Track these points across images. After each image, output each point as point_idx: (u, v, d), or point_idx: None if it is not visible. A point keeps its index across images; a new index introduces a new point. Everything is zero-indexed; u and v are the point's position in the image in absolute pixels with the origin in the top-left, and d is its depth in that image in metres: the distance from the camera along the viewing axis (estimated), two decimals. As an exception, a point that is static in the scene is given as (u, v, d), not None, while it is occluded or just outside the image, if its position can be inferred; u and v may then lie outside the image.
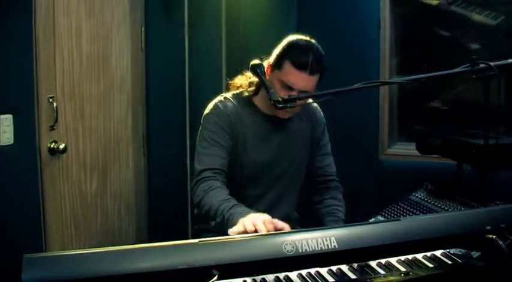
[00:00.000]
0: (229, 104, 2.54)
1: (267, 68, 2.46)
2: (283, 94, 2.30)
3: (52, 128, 2.86)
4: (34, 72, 2.72)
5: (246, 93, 2.59)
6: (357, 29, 3.86)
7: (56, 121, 2.87)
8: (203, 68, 3.84)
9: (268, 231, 1.91)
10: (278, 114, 2.47)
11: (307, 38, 2.45)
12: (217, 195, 2.30)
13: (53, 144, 2.87)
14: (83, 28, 3.07)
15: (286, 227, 1.96)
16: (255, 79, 2.53)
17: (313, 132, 2.68)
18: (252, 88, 2.59)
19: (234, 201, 2.25)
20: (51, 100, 2.83)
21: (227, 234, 2.03)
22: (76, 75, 3.03)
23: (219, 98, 2.58)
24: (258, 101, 2.57)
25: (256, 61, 2.34)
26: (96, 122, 3.21)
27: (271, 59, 2.47)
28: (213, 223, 2.28)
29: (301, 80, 2.35)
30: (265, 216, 2.01)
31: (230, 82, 2.70)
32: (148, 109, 3.60)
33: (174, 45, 3.70)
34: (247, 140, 2.52)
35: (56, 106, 2.86)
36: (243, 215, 2.07)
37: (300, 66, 2.33)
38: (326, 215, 2.57)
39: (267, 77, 2.39)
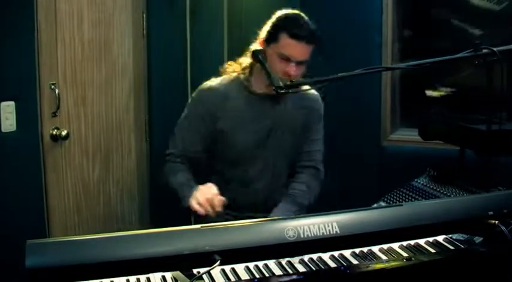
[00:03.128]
0: (214, 86, 2.61)
1: (260, 43, 2.52)
2: (281, 67, 2.41)
3: (54, 114, 2.85)
4: (36, 59, 2.72)
5: (242, 76, 2.63)
6: (359, 14, 3.84)
7: (58, 108, 2.86)
8: (205, 54, 3.83)
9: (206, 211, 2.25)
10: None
11: (297, 12, 2.52)
12: (178, 175, 2.54)
13: (55, 130, 2.87)
14: (85, 14, 3.06)
15: (219, 203, 2.26)
16: (247, 63, 2.61)
17: (306, 121, 2.70)
18: (246, 70, 2.64)
19: (191, 182, 2.48)
20: (53, 87, 2.83)
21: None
22: (78, 61, 3.03)
23: (206, 82, 2.65)
24: (254, 82, 2.61)
25: (257, 47, 2.36)
26: (98, 108, 3.21)
27: (264, 34, 2.51)
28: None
29: (299, 50, 2.41)
30: (202, 195, 2.29)
31: (221, 70, 2.74)
32: (150, 96, 3.59)
33: (176, 32, 3.69)
34: (236, 121, 2.57)
35: (58, 93, 2.85)
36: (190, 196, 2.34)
37: (297, 36, 2.39)
38: (286, 196, 2.61)
39: (259, 56, 2.46)
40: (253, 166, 2.64)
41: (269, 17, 2.55)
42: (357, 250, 1.85)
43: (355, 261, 1.79)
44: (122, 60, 3.36)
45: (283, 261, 1.78)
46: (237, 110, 2.58)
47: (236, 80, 2.63)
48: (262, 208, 2.63)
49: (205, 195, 2.30)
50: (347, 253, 1.84)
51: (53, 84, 2.83)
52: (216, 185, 2.38)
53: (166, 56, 3.64)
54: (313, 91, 2.69)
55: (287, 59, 2.42)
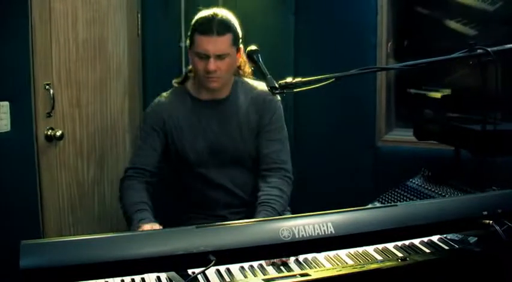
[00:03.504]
0: (162, 101, 2.68)
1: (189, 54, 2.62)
2: (201, 66, 2.48)
3: (49, 115, 2.85)
4: (30, 59, 2.71)
5: (188, 84, 2.70)
6: (354, 15, 3.84)
7: (52, 108, 2.85)
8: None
9: None
10: (207, 84, 2.54)
11: (214, 9, 2.57)
12: (130, 196, 2.50)
13: (50, 131, 2.86)
14: (79, 14, 3.05)
15: None
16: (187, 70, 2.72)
17: (260, 121, 2.66)
18: (179, 79, 2.75)
19: (139, 206, 2.41)
20: (47, 87, 2.82)
21: None
22: (72, 61, 3.02)
23: (158, 97, 2.72)
24: (190, 86, 2.69)
25: (252, 47, 2.34)
26: (93, 108, 3.20)
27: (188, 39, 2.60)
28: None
29: (210, 44, 2.45)
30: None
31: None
32: (145, 96, 3.59)
33: (171, 32, 3.68)
34: (184, 131, 2.61)
35: (53, 93, 2.85)
36: (138, 225, 2.27)
37: (205, 31, 2.46)
38: (261, 204, 2.49)
39: (189, 56, 2.59)
40: (210, 173, 2.65)
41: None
42: (352, 250, 1.85)
43: (350, 261, 1.80)
44: (117, 60, 3.36)
45: (278, 262, 1.78)
46: (184, 120, 2.62)
47: (181, 89, 2.70)
48: (235, 205, 2.69)
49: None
50: (342, 253, 1.84)
51: (47, 84, 2.82)
52: (180, 191, 2.50)
53: (161, 56, 3.64)
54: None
55: (206, 57, 2.47)
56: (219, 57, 2.47)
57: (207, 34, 2.45)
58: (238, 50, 2.58)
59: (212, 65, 2.45)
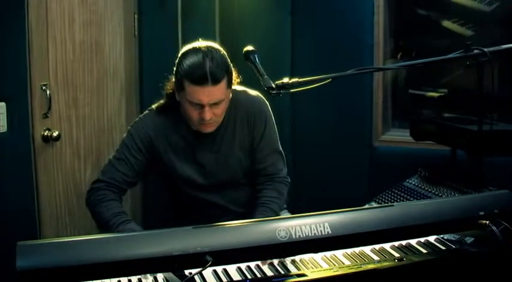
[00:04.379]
0: (152, 118, 2.44)
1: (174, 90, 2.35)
2: (195, 114, 2.25)
3: (45, 115, 2.85)
4: (27, 60, 2.71)
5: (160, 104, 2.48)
6: (350, 15, 3.84)
7: (49, 109, 2.85)
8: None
9: None
10: (201, 129, 2.34)
11: (202, 44, 2.29)
12: (110, 207, 2.30)
13: (47, 132, 2.86)
14: (76, 15, 3.05)
15: None
16: (169, 89, 2.42)
17: (252, 135, 2.51)
18: (161, 102, 2.48)
19: (124, 217, 2.25)
20: (44, 88, 2.82)
21: None
22: (69, 62, 3.02)
23: (146, 111, 2.49)
24: (183, 112, 2.38)
25: (249, 47, 2.30)
26: (90, 109, 3.20)
27: (174, 77, 2.33)
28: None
29: (207, 94, 2.20)
30: None
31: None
32: (142, 97, 3.59)
33: (168, 32, 3.68)
34: (175, 155, 2.45)
35: (49, 94, 2.85)
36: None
37: (197, 82, 2.18)
38: (259, 205, 2.45)
39: (177, 97, 2.32)
40: (201, 194, 2.53)
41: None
42: (349, 250, 1.85)
43: (346, 262, 1.80)
44: (114, 61, 3.36)
45: (275, 262, 1.79)
46: (174, 143, 2.44)
47: (176, 113, 2.43)
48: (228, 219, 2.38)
49: None
50: (339, 253, 1.84)
51: (44, 85, 2.82)
52: (169, 202, 2.40)
53: (157, 57, 3.63)
54: (256, 100, 2.52)
55: (199, 106, 2.23)
56: (215, 104, 2.24)
57: (201, 85, 2.17)
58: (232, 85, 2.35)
59: (207, 114, 2.23)
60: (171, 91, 2.40)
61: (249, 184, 2.58)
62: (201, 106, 2.22)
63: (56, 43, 2.92)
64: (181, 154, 2.44)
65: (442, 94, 3.80)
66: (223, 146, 2.47)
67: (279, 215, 2.48)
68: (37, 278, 1.31)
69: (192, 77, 2.18)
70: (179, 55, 2.30)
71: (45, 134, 2.86)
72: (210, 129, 2.35)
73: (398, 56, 3.94)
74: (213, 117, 2.26)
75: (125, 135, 2.47)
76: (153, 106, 2.49)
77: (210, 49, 2.25)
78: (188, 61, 2.22)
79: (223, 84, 2.22)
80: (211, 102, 2.21)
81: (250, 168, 2.54)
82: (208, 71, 2.17)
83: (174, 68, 2.30)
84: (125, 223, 2.21)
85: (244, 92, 2.51)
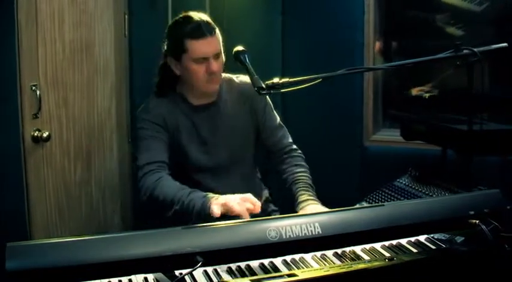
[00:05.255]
0: (160, 101, 2.61)
1: (171, 63, 2.57)
2: (202, 71, 2.46)
3: (35, 116, 2.83)
4: (16, 60, 2.69)
5: (178, 88, 2.65)
6: (341, 14, 3.85)
7: (39, 109, 2.84)
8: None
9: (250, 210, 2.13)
10: (209, 88, 2.53)
11: (186, 13, 2.56)
12: (169, 184, 2.39)
13: (37, 132, 2.84)
14: (66, 15, 3.03)
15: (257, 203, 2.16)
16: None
17: (256, 117, 2.69)
18: (157, 81, 2.69)
19: (189, 188, 2.34)
20: (34, 88, 2.81)
21: (187, 221, 2.16)
22: (59, 63, 3.00)
23: (152, 96, 2.66)
24: (189, 94, 2.62)
25: (239, 47, 2.35)
26: (80, 110, 3.19)
27: (170, 52, 2.57)
28: (170, 213, 2.33)
29: (208, 45, 2.45)
30: (237, 198, 2.15)
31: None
32: (132, 96, 3.58)
33: (158, 33, 3.66)
34: (181, 135, 2.58)
35: (39, 94, 2.83)
36: (206, 198, 2.21)
37: (199, 35, 2.44)
38: (293, 183, 2.59)
39: (177, 72, 2.54)
40: (206, 179, 2.62)
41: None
42: (339, 250, 1.85)
43: (337, 262, 1.80)
44: (104, 61, 3.35)
45: (266, 262, 1.78)
46: (181, 123, 2.59)
47: (172, 93, 2.64)
48: None
49: (236, 197, 2.17)
50: (329, 253, 1.84)
51: (34, 85, 2.81)
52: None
53: (148, 57, 3.63)
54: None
55: (204, 60, 2.45)
56: (217, 56, 2.48)
57: (202, 37, 2.43)
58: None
59: (214, 65, 2.45)
60: (165, 62, 2.62)
61: (251, 175, 2.73)
62: (206, 60, 2.45)
63: (46, 43, 2.90)
64: (186, 132, 2.59)
65: (432, 94, 3.81)
66: (223, 121, 2.63)
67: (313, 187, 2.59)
68: (27, 279, 1.30)
69: (193, 33, 2.44)
70: (170, 27, 2.59)
71: (35, 134, 2.84)
72: (216, 85, 2.55)
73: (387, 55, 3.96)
74: (218, 70, 2.49)
75: (139, 122, 2.59)
76: (151, 94, 2.67)
77: (195, 13, 2.54)
78: (184, 24, 2.49)
79: (218, 35, 2.52)
80: (214, 53, 2.46)
81: (254, 150, 2.73)
82: (205, 24, 2.46)
83: (166, 41, 2.59)
84: (193, 192, 2.30)
85: (238, 76, 2.71)
